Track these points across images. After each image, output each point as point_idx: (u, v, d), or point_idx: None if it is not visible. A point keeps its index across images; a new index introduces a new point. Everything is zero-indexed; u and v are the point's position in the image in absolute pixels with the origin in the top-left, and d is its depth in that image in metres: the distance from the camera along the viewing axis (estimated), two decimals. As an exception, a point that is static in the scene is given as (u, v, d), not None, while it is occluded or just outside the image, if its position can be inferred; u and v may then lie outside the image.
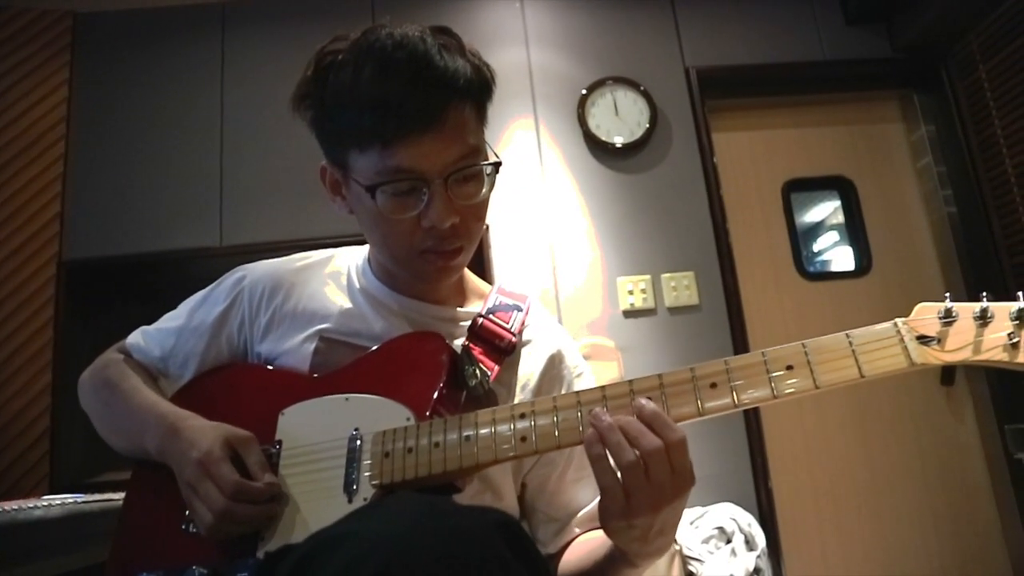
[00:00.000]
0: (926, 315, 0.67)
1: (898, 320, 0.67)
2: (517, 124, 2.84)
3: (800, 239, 2.90)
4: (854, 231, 2.92)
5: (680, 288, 2.69)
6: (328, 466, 0.80)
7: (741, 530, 2.32)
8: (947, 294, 0.70)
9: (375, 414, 0.80)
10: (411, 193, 0.84)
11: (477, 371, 0.85)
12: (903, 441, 2.71)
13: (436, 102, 0.81)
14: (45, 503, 1.41)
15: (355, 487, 0.77)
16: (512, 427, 0.72)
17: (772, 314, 2.77)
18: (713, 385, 0.67)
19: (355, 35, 0.87)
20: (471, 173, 0.86)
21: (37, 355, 2.47)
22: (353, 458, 0.78)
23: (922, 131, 2.94)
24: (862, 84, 2.97)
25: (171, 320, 1.05)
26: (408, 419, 0.79)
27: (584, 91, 2.83)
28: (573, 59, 2.90)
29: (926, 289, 2.83)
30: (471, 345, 0.92)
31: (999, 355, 0.64)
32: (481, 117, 0.90)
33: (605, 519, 0.70)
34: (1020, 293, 0.67)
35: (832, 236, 3.07)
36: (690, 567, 2.28)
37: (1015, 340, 0.63)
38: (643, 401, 0.68)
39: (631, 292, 2.69)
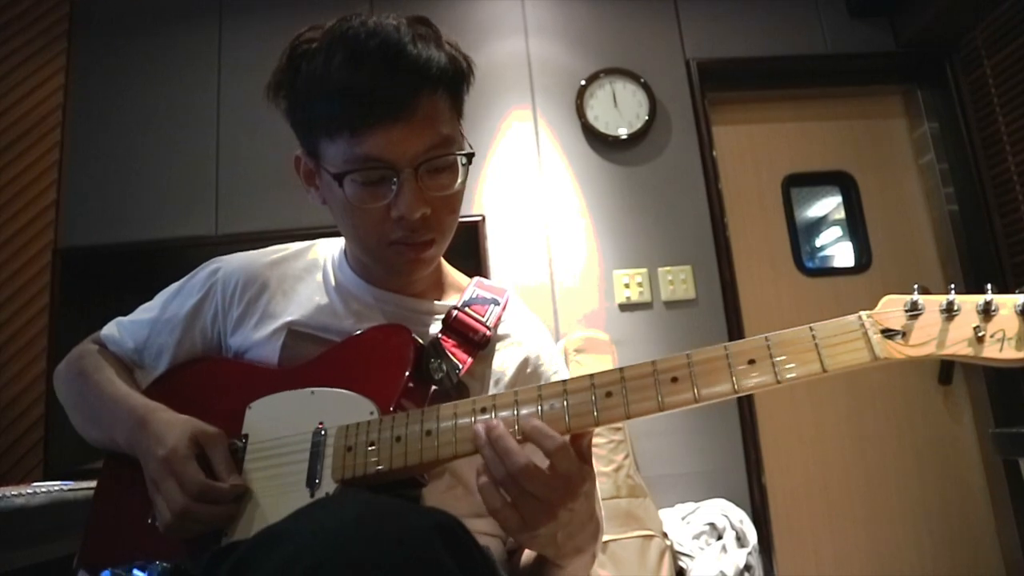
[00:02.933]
0: (892, 308, 0.65)
1: (863, 313, 0.65)
2: (515, 115, 2.82)
3: (799, 234, 2.88)
4: (854, 227, 2.90)
5: (677, 282, 2.68)
6: (293, 460, 0.79)
7: (732, 527, 2.31)
8: (915, 286, 0.68)
9: (340, 408, 0.79)
10: (381, 182, 0.83)
11: (443, 365, 0.84)
12: (899, 440, 2.69)
13: (407, 90, 0.80)
14: (30, 491, 1.41)
15: (318, 481, 0.76)
16: (473, 421, 0.71)
17: (769, 310, 2.75)
18: (674, 379, 0.66)
19: (330, 24, 0.86)
20: (443, 164, 0.85)
21: (32, 342, 2.48)
22: (317, 452, 0.78)
23: (925, 127, 2.90)
24: (865, 78, 2.93)
25: (146, 312, 1.04)
26: (372, 413, 0.78)
27: (583, 82, 2.81)
28: (572, 50, 2.88)
29: (926, 286, 2.80)
30: (444, 337, 0.90)
31: (964, 349, 0.62)
32: (456, 108, 0.88)
33: (509, 533, 0.70)
34: (989, 286, 0.65)
35: (832, 232, 3.04)
36: (680, 563, 2.27)
37: (980, 334, 0.62)
38: (525, 416, 0.69)
39: (627, 285, 2.68)
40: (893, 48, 2.90)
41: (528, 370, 0.97)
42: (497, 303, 0.99)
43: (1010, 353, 0.61)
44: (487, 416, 0.71)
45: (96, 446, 0.95)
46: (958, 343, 0.62)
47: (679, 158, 2.79)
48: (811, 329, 0.65)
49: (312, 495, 0.75)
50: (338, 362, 0.86)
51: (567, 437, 0.68)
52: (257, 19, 2.85)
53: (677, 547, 2.29)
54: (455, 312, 0.93)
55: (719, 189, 2.74)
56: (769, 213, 2.86)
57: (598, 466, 2.38)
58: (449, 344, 0.89)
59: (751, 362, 0.64)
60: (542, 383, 0.95)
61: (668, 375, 0.66)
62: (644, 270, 2.70)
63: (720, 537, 2.30)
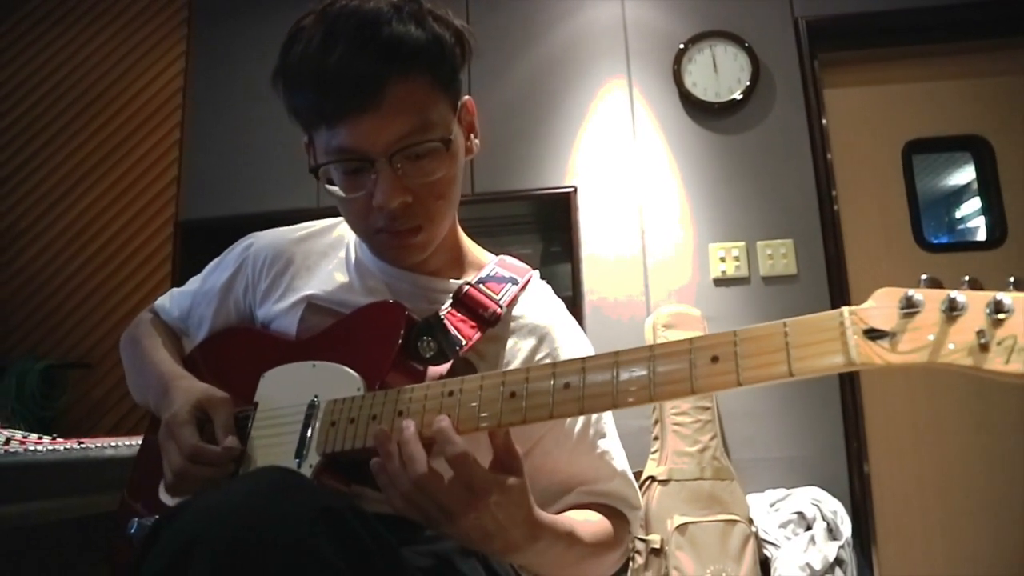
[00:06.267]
0: (884, 303, 0.57)
1: (846, 309, 0.58)
2: (609, 83, 2.75)
3: (922, 206, 2.62)
4: (988, 197, 2.60)
5: (776, 256, 2.53)
6: (290, 430, 0.82)
7: (824, 517, 2.18)
8: (922, 277, 0.59)
9: (333, 382, 0.82)
10: (360, 172, 0.83)
11: (435, 343, 0.84)
12: (1030, 431, 2.42)
13: (375, 75, 0.78)
14: (128, 443, 1.56)
15: (305, 452, 0.78)
16: (440, 404, 0.71)
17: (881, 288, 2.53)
18: (632, 373, 0.62)
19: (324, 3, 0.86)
20: (422, 151, 0.83)
21: (157, 308, 2.73)
22: (308, 424, 0.80)
23: (1079, 83, 2.55)
24: (1004, 28, 2.58)
25: (192, 283, 1.11)
26: (359, 389, 0.79)
27: (681, 46, 2.69)
28: (670, 13, 2.76)
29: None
30: (452, 312, 0.89)
31: (963, 359, 0.53)
32: (440, 87, 0.85)
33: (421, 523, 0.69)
34: (1012, 278, 0.56)
35: (962, 203, 2.75)
36: (765, 551, 2.18)
37: (984, 340, 0.52)
38: (439, 417, 0.67)
39: (723, 259, 2.57)
40: (1042, -8, 2.56)
41: (540, 355, 0.94)
42: (516, 283, 0.97)
43: (1018, 366, 0.51)
44: (454, 400, 0.70)
45: (143, 408, 1.03)
46: (956, 351, 0.53)
47: (783, 125, 2.61)
48: (784, 326, 0.59)
49: (299, 466, 0.78)
50: (339, 336, 0.88)
51: (465, 445, 0.66)
52: None
53: (763, 535, 2.20)
54: (466, 287, 0.92)
55: (828, 158, 2.54)
56: (886, 183, 2.62)
57: (682, 445, 2.31)
58: (455, 319, 0.88)
59: (714, 359, 0.59)
60: None
61: (628, 368, 0.63)
62: (742, 243, 2.57)
63: (809, 527, 2.18)
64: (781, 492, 2.32)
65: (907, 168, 2.62)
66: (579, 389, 0.64)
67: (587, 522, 0.86)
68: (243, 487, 0.57)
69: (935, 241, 2.64)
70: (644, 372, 0.62)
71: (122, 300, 2.70)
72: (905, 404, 2.48)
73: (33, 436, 1.40)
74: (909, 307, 0.57)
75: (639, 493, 0.97)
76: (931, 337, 0.55)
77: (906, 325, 0.56)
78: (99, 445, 1.45)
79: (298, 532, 0.52)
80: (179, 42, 2.90)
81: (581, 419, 0.92)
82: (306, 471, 0.77)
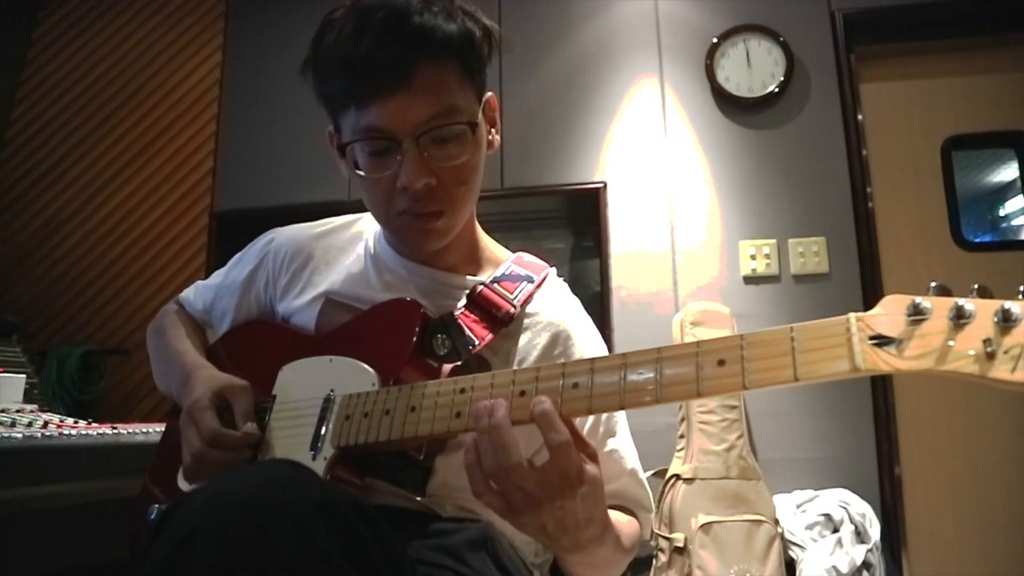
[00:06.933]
0: (892, 310, 0.57)
1: (853, 315, 0.58)
2: (640, 79, 2.73)
3: (963, 204, 2.56)
4: (1031, 195, 2.54)
5: (808, 254, 2.49)
6: (306, 423, 0.84)
7: (852, 520, 2.15)
8: (932, 284, 0.59)
9: (349, 376, 0.83)
10: (386, 153, 0.84)
11: (449, 340, 0.85)
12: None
13: (405, 59, 0.80)
14: (158, 429, 1.60)
15: (320, 445, 0.80)
16: (452, 401, 0.72)
17: (917, 288, 2.40)
18: (640, 375, 0.63)
19: None
20: (448, 133, 0.84)
21: (192, 296, 2.80)
22: (324, 417, 0.82)
23: None
24: (1052, 21, 2.52)
25: (215, 276, 1.14)
26: (373, 384, 0.81)
27: (715, 40, 2.66)
28: (704, 6, 2.73)
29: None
30: (465, 312, 0.91)
31: (969, 367, 0.53)
32: (469, 78, 0.87)
33: (495, 513, 0.68)
34: (1022, 287, 0.55)
35: (1007, 201, 2.68)
36: (790, 552, 2.16)
37: (991, 349, 0.52)
38: (540, 398, 0.65)
39: (753, 257, 2.54)
40: (1091, -18, 2.47)
41: (556, 351, 0.94)
42: (531, 281, 0.98)
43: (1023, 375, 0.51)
44: (465, 398, 0.71)
45: (166, 396, 1.06)
46: (962, 358, 0.53)
47: (818, 120, 2.57)
48: (791, 331, 0.59)
49: (313, 458, 0.80)
50: (356, 332, 0.90)
51: (568, 434, 0.64)
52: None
53: (788, 536, 2.18)
54: (480, 288, 0.93)
55: (863, 154, 2.49)
56: (924, 180, 2.56)
57: (708, 444, 2.30)
58: (469, 319, 0.89)
59: (721, 363, 0.60)
60: None
61: (635, 370, 0.63)
62: (773, 241, 2.54)
63: (836, 530, 2.15)
64: (808, 493, 2.29)
65: (946, 165, 2.56)
66: (587, 389, 0.65)
67: (622, 523, 0.87)
68: (247, 478, 0.59)
69: (976, 240, 2.58)
70: (651, 374, 0.62)
71: (159, 288, 2.77)
72: (939, 405, 2.44)
73: (69, 420, 1.44)
74: (916, 314, 0.57)
75: (650, 494, 0.97)
76: (937, 344, 0.55)
77: (913, 332, 0.56)
78: (131, 431, 1.50)
79: (297, 523, 0.53)
80: (216, 36, 2.96)
81: (591, 418, 0.93)
82: (320, 463, 0.79)
